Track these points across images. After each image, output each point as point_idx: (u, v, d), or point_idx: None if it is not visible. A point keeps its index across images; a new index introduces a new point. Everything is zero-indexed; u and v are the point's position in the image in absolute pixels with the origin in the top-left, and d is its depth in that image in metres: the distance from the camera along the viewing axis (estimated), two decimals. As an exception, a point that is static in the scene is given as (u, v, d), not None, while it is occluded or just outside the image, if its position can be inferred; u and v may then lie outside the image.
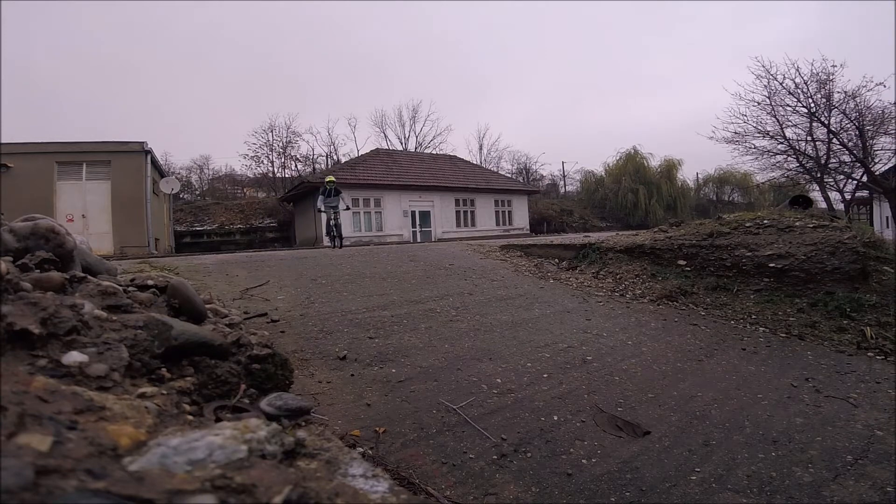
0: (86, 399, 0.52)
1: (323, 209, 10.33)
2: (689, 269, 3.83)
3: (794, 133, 14.86)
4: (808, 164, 15.13)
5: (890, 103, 13.05)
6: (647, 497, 1.28)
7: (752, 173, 21.50)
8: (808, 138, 14.70)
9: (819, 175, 15.00)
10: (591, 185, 31.27)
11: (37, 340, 0.61)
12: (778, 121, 14.67)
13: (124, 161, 13.33)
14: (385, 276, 3.63)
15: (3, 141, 11.80)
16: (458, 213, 20.54)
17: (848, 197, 15.74)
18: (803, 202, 6.67)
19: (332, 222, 10.23)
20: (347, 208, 10.78)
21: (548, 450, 1.46)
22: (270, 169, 27.60)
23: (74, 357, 0.61)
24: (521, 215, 22.56)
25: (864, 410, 1.87)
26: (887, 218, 16.41)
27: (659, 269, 3.97)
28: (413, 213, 19.09)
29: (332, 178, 10.78)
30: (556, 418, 1.64)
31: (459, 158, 24.08)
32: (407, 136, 31.01)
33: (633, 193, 27.70)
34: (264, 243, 20.78)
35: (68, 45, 48.48)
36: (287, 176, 27.12)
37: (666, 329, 2.77)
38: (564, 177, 35.45)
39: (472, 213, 20.97)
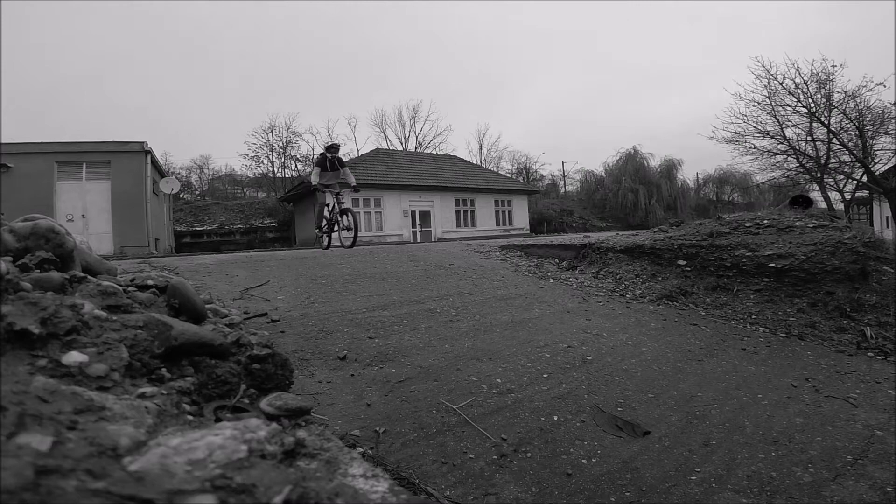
0: (86, 399, 0.52)
1: (321, 188, 6.66)
2: (689, 269, 3.83)
3: (794, 133, 14.88)
4: (808, 164, 15.14)
5: (890, 103, 13.06)
6: (647, 497, 1.28)
7: (752, 173, 21.54)
8: (808, 138, 14.71)
9: (819, 175, 15.01)
10: (591, 185, 31.31)
11: (37, 340, 0.61)
12: (778, 121, 14.69)
13: (124, 161, 13.32)
14: (385, 276, 3.63)
15: (3, 141, 11.80)
16: (458, 213, 20.53)
17: (848, 197, 15.75)
18: (803, 202, 6.68)
19: (333, 209, 6.65)
20: (356, 189, 6.79)
21: (548, 450, 1.46)
22: (270, 169, 27.63)
23: (74, 357, 0.61)
24: (521, 215, 22.55)
25: (864, 410, 1.87)
26: (887, 218, 16.41)
27: (659, 269, 3.97)
28: (413, 213, 19.10)
29: (337, 144, 7.11)
30: (556, 418, 1.64)
31: (459, 158, 24.07)
32: (407, 136, 31.04)
33: (633, 193, 27.72)
34: (264, 243, 20.79)
35: (68, 44, 48.46)
36: (287, 176, 27.15)
37: (666, 329, 2.77)
38: (564, 177, 35.51)
39: (472, 213, 20.97)
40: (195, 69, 48.93)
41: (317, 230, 7.01)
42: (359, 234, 6.38)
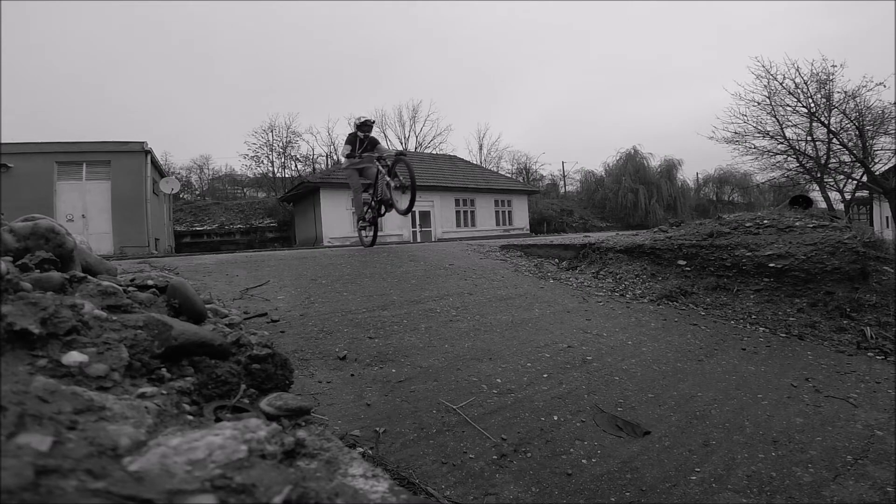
0: (86, 399, 0.52)
1: (364, 164, 5.41)
2: (689, 269, 3.83)
3: (794, 133, 14.92)
4: (808, 164, 15.16)
5: (890, 103, 13.08)
6: (647, 497, 1.28)
7: (752, 173, 21.57)
8: (808, 138, 14.73)
9: (819, 175, 15.02)
10: (591, 185, 31.34)
11: (37, 340, 0.61)
12: (778, 121, 14.71)
13: (124, 161, 13.33)
14: (385, 276, 3.63)
15: (3, 141, 11.80)
16: (458, 213, 20.54)
17: (848, 197, 15.77)
18: (803, 202, 6.69)
19: (378, 175, 5.16)
20: (404, 154, 5.14)
21: (548, 450, 1.46)
22: (270, 169, 27.67)
23: (74, 357, 0.61)
24: (521, 215, 22.55)
25: (864, 410, 1.87)
26: (887, 218, 16.41)
27: (659, 269, 3.97)
28: (413, 212, 19.10)
29: (371, 120, 5.55)
30: (556, 418, 1.64)
31: (459, 158, 24.08)
32: (407, 135, 31.07)
33: (633, 193, 27.74)
34: (264, 243, 20.80)
35: (68, 44, 48.46)
36: (287, 176, 27.20)
37: (666, 329, 2.77)
38: (564, 177, 35.54)
39: (472, 213, 20.97)
40: (195, 69, 48.98)
41: (359, 221, 5.81)
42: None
